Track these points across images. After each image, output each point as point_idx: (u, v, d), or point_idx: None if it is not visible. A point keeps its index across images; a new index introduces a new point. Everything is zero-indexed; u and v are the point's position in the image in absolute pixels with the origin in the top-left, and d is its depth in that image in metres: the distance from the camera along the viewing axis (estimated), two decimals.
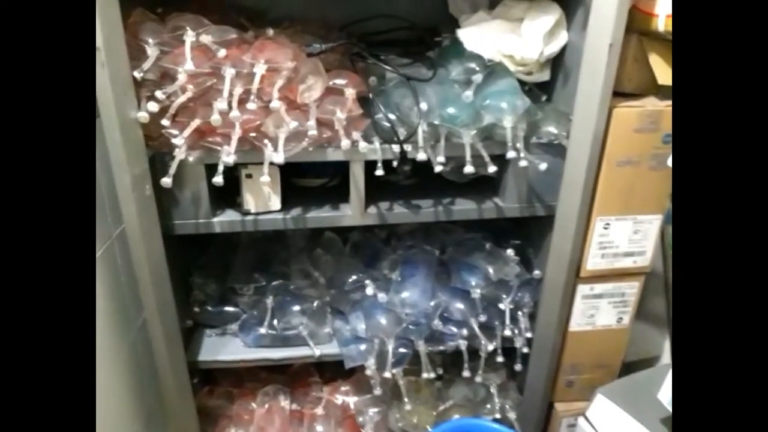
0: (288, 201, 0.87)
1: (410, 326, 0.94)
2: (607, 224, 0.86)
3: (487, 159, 0.78)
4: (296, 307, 0.97)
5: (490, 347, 0.95)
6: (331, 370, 1.12)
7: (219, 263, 1.04)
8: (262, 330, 0.97)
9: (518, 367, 1.01)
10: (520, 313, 0.97)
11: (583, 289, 0.92)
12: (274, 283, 0.99)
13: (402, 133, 0.78)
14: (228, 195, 0.85)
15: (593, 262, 0.89)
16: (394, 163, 0.81)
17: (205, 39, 0.70)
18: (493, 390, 1.05)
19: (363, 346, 0.95)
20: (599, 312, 0.95)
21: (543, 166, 0.79)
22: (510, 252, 0.96)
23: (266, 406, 1.06)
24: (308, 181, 0.97)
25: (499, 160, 0.82)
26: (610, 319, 0.96)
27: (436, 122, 0.78)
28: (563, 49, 0.81)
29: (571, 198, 0.82)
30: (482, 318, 0.94)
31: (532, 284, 0.97)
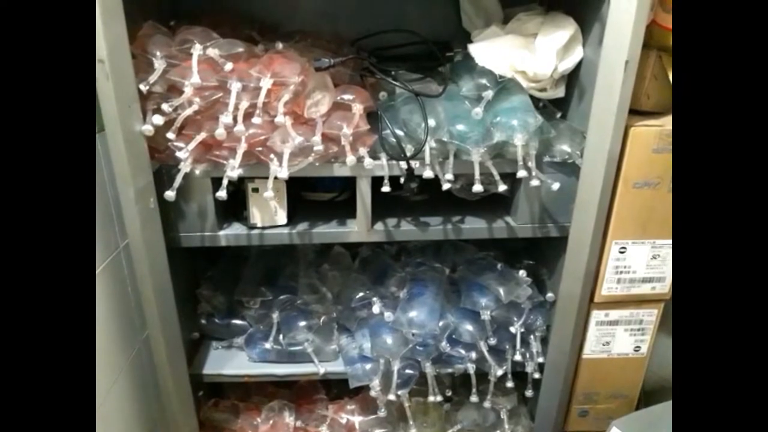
0: (296, 215, 0.87)
1: (417, 347, 0.91)
2: (623, 248, 0.82)
3: (497, 177, 0.76)
4: (302, 323, 0.96)
5: (500, 372, 0.92)
6: (338, 387, 1.10)
7: (228, 275, 1.03)
8: (268, 345, 0.95)
9: (529, 392, 0.97)
10: (531, 336, 0.94)
11: (597, 314, 0.88)
12: (281, 297, 0.97)
13: (409, 149, 0.76)
14: (235, 208, 0.85)
15: (608, 287, 0.85)
16: (402, 180, 0.79)
17: (212, 52, 0.70)
18: (503, 415, 1.01)
19: (368, 366, 0.93)
20: (615, 339, 0.91)
21: (555, 185, 0.77)
22: (522, 273, 0.93)
23: (271, 422, 1.04)
24: (317, 195, 0.96)
25: (511, 178, 0.80)
26: (627, 347, 0.92)
27: (444, 139, 0.76)
28: (579, 66, 0.78)
29: (584, 220, 0.79)
30: (492, 341, 0.91)
31: (545, 307, 0.94)
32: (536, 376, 0.95)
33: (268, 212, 0.83)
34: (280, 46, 0.78)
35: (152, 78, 0.68)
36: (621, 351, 0.92)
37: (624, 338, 0.91)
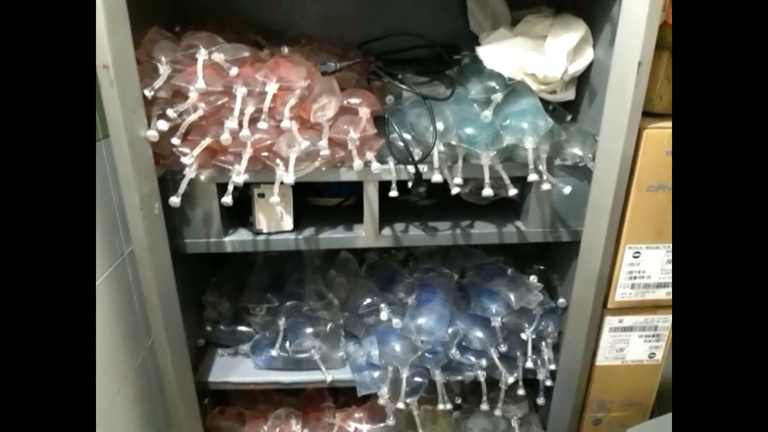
0: (302, 220, 0.86)
1: (426, 354, 0.90)
2: (637, 252, 0.80)
3: (507, 181, 0.74)
4: (309, 330, 0.95)
5: (511, 379, 0.90)
6: (345, 395, 1.09)
7: (233, 281, 1.02)
8: (274, 352, 0.94)
9: (541, 400, 0.96)
10: (543, 343, 0.92)
11: (611, 320, 0.86)
12: (287, 303, 0.96)
13: (417, 153, 0.75)
14: (241, 214, 0.84)
15: (622, 292, 0.83)
16: (410, 184, 0.78)
17: (217, 57, 0.69)
18: (514, 423, 0.99)
19: (376, 374, 0.92)
20: (629, 346, 0.89)
21: (567, 189, 0.75)
22: (533, 278, 0.91)
23: (277, 430, 1.03)
24: (324, 200, 0.95)
25: (521, 182, 0.78)
26: (642, 354, 0.90)
27: (453, 142, 0.75)
28: (589, 67, 0.77)
29: (597, 224, 0.77)
30: (503, 348, 0.89)
31: (557, 313, 0.92)
32: (548, 383, 0.93)
33: (274, 218, 0.82)
34: (285, 50, 0.77)
35: (157, 83, 0.67)
36: (635, 358, 0.90)
37: (638, 345, 0.89)
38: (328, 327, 0.95)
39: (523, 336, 0.90)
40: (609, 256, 0.79)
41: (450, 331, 0.89)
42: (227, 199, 0.71)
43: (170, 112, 0.68)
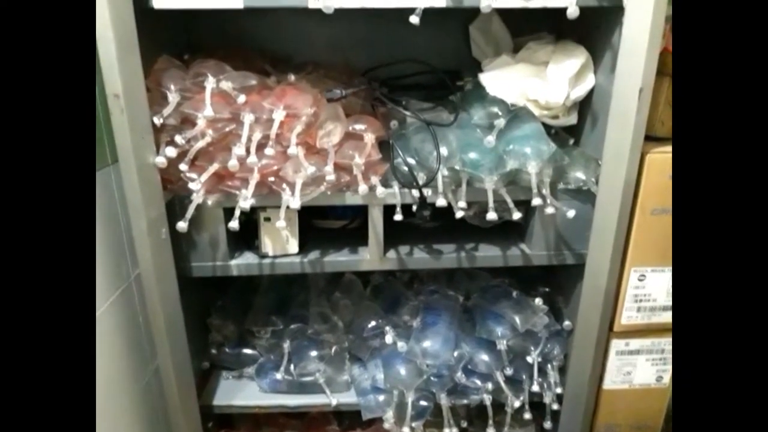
0: (307, 242, 0.86)
1: (432, 378, 0.89)
2: (643, 276, 0.80)
3: (511, 205, 0.75)
4: (314, 353, 0.94)
5: (517, 403, 0.89)
6: (350, 418, 1.08)
7: (238, 304, 1.02)
8: (279, 375, 0.94)
9: (548, 424, 0.94)
10: (549, 366, 0.92)
11: (617, 344, 0.86)
12: (292, 326, 0.96)
13: (421, 177, 0.76)
14: (246, 237, 0.85)
15: (628, 315, 0.83)
16: (414, 207, 0.79)
17: (225, 86, 0.70)
18: None
19: (381, 397, 0.91)
20: (636, 369, 0.88)
21: (571, 213, 0.75)
22: (538, 301, 0.91)
23: None
24: (328, 222, 0.95)
25: (525, 205, 0.79)
26: (649, 377, 0.89)
27: (457, 167, 0.75)
28: (591, 92, 0.78)
29: (601, 247, 0.77)
30: (508, 371, 0.89)
31: (562, 336, 0.92)
32: (555, 407, 0.92)
33: (280, 241, 0.83)
34: (292, 77, 0.79)
35: (166, 111, 0.69)
36: (643, 381, 0.89)
37: (645, 368, 0.88)
38: (333, 350, 0.95)
39: (529, 359, 0.89)
40: (614, 279, 0.79)
41: (455, 354, 0.89)
42: (234, 224, 0.72)
43: (179, 139, 0.69)
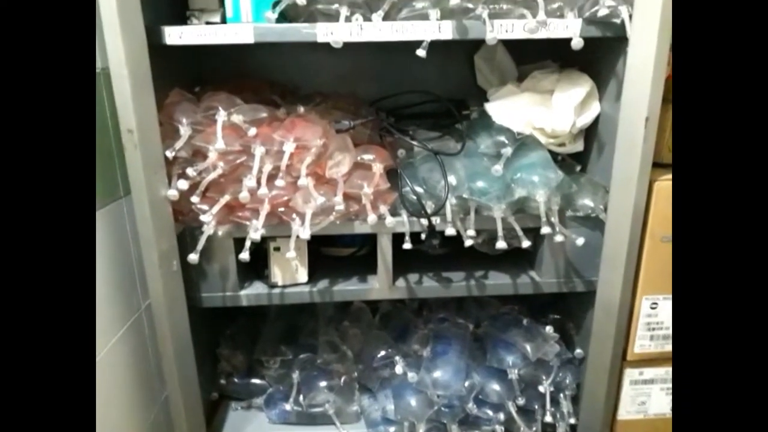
0: (316, 271, 0.86)
1: (443, 408, 0.88)
2: (655, 303, 0.79)
3: (520, 233, 0.75)
4: (323, 383, 0.94)
5: None
6: None
7: (247, 333, 1.02)
8: (288, 406, 0.93)
9: None
10: (561, 395, 0.90)
11: (631, 373, 0.84)
12: (301, 356, 0.96)
13: (430, 206, 0.76)
14: (256, 266, 0.85)
15: (641, 344, 0.81)
16: (423, 236, 0.79)
17: (236, 119, 0.72)
18: None
19: (392, 429, 0.90)
20: (651, 399, 0.86)
21: (580, 241, 0.75)
22: (549, 329, 0.90)
23: None
24: (337, 250, 0.95)
25: (534, 232, 0.79)
26: (664, 406, 0.87)
27: (465, 196, 0.76)
28: (596, 120, 0.78)
29: (612, 275, 0.77)
30: (520, 401, 0.87)
31: (574, 364, 0.91)
32: None
33: (290, 271, 0.83)
34: (301, 109, 0.80)
35: (178, 144, 0.70)
36: (658, 411, 0.87)
37: (660, 397, 0.86)
38: (342, 380, 0.94)
39: (541, 388, 0.88)
40: (626, 307, 0.78)
41: (466, 384, 0.88)
42: (244, 255, 0.72)
43: (190, 171, 0.70)
